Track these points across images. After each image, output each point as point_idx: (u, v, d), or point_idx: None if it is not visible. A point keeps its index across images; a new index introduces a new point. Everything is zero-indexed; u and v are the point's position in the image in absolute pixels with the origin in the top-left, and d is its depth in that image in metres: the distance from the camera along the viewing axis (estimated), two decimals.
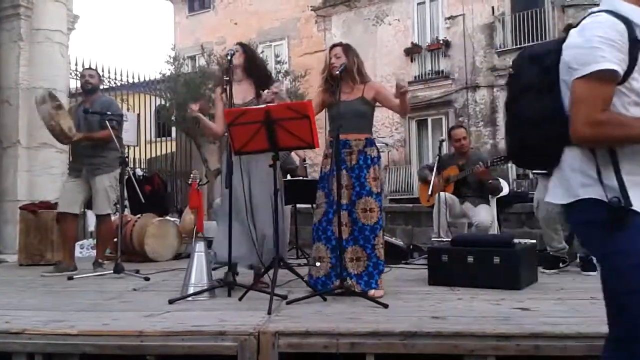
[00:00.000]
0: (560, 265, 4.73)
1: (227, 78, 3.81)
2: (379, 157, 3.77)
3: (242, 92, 3.99)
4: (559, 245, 4.78)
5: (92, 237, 7.21)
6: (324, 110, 3.91)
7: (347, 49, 3.82)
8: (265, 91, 3.83)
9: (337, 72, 3.61)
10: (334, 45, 3.89)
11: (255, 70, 4.12)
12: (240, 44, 4.18)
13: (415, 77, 16.35)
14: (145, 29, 60.30)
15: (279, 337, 2.50)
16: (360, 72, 3.77)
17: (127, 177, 5.15)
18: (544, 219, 4.77)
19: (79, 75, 6.29)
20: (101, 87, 5.39)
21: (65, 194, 5.17)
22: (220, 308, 3.17)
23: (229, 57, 3.83)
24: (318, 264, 3.70)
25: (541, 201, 4.80)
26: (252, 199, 3.88)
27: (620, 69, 1.51)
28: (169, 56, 13.01)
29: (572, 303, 3.23)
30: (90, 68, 5.90)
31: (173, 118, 12.08)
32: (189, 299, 3.44)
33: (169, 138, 12.72)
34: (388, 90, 3.83)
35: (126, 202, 6.90)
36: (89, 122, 5.08)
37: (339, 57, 3.74)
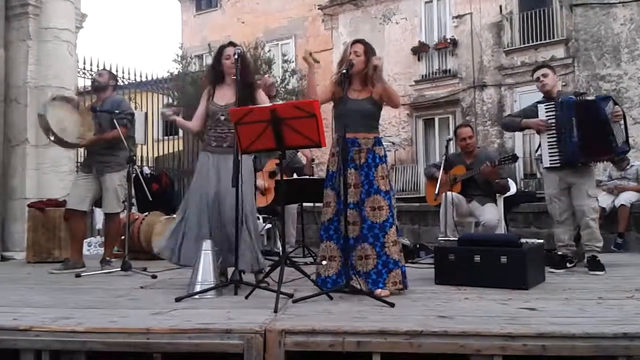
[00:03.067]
0: (568, 265, 4.72)
1: (235, 77, 3.84)
2: (386, 156, 3.77)
3: (226, 96, 4.02)
4: (570, 241, 4.77)
5: (100, 235, 7.25)
6: (330, 110, 3.89)
7: (369, 50, 3.77)
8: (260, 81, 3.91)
9: (344, 70, 3.60)
10: (357, 41, 3.81)
11: (245, 78, 4.08)
12: (234, 45, 4.11)
13: (422, 76, 16.33)
14: (153, 27, 60.49)
15: (286, 335, 2.50)
16: (373, 76, 3.75)
17: (134, 175, 5.17)
18: (557, 209, 4.76)
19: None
20: (111, 84, 5.37)
21: (75, 191, 5.19)
22: (227, 306, 3.18)
23: (236, 57, 3.84)
24: (325, 262, 3.70)
25: (552, 195, 4.80)
26: (221, 198, 3.90)
27: None
28: (177, 55, 13.14)
29: (579, 303, 3.22)
30: (104, 69, 5.91)
31: (180, 117, 12.14)
32: (196, 297, 3.45)
33: (176, 137, 12.76)
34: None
35: (134, 200, 6.92)
36: (99, 121, 5.10)
37: (359, 55, 3.72)
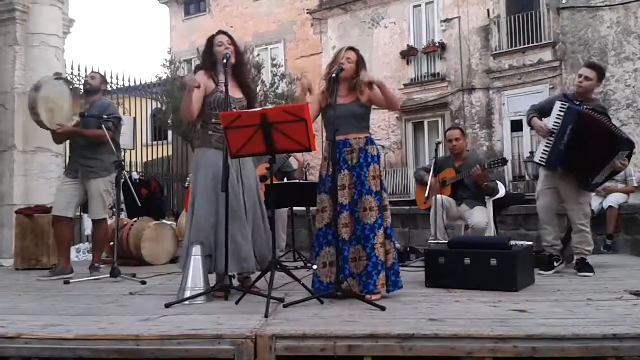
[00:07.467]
0: (555, 264, 4.74)
1: (225, 82, 3.65)
2: (378, 156, 3.76)
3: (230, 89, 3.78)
4: (555, 241, 4.79)
5: (89, 241, 7.21)
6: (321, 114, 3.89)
7: (362, 60, 3.80)
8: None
9: (334, 75, 3.61)
10: (351, 49, 3.83)
11: (241, 69, 4.01)
12: (225, 33, 3.98)
13: (411, 79, 16.40)
14: (142, 32, 60.30)
15: (276, 340, 2.50)
16: (362, 86, 3.76)
17: (123, 180, 5.13)
18: (542, 207, 4.79)
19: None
20: (102, 88, 5.35)
21: (60, 197, 5.13)
22: (217, 312, 3.16)
23: (225, 61, 3.72)
24: (315, 267, 3.69)
25: (539, 191, 4.83)
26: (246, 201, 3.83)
27: None
28: (165, 60, 13.08)
29: (569, 305, 3.23)
30: (97, 72, 5.85)
31: (169, 122, 12.12)
32: (186, 302, 3.43)
33: (165, 142, 12.75)
34: (376, 90, 3.79)
35: (123, 206, 6.88)
36: (87, 125, 5.06)
37: (351, 63, 3.74)
